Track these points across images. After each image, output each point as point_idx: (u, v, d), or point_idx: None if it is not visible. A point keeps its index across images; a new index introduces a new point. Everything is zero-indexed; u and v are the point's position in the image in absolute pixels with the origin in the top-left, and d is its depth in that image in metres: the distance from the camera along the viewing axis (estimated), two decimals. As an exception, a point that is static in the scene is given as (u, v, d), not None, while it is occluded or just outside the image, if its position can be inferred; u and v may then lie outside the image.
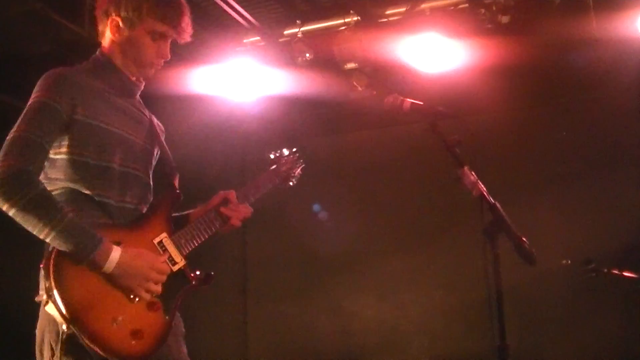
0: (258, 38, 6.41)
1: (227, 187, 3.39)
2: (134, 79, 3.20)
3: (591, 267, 5.53)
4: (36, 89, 2.93)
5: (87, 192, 2.92)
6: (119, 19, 3.09)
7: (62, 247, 2.69)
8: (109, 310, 2.77)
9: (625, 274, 5.51)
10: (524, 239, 2.93)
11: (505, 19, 5.71)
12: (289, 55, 6.21)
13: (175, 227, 3.13)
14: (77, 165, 2.92)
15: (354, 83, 6.30)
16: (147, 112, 3.34)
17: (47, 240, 2.70)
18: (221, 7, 5.75)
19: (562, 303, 6.48)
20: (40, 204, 2.69)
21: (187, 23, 3.19)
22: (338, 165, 7.12)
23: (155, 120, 3.39)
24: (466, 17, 5.77)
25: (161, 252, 3.00)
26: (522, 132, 6.73)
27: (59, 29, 5.40)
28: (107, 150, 2.98)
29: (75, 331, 2.66)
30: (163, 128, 3.45)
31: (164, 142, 3.36)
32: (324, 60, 6.18)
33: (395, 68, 6.05)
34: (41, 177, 2.84)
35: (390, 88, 5.44)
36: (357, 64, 6.19)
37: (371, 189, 7.18)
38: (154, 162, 3.29)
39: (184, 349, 3.16)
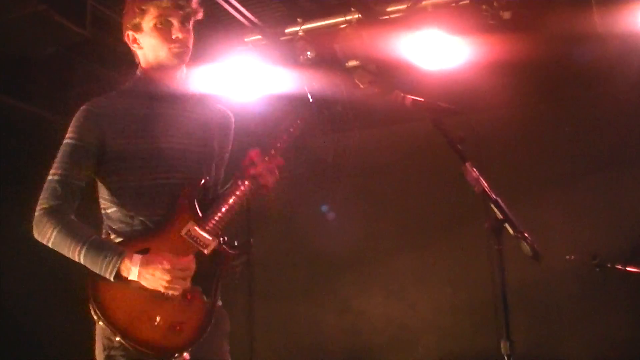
0: (259, 37, 6.41)
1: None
2: (172, 85, 3.25)
3: (596, 262, 5.53)
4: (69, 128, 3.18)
5: (130, 212, 3.12)
6: (130, 32, 3.23)
7: (93, 269, 2.97)
8: (149, 315, 3.01)
9: (629, 269, 5.51)
10: (527, 234, 2.93)
11: (507, 15, 5.70)
12: (290, 53, 6.21)
13: (208, 209, 3.17)
14: (119, 190, 3.14)
15: (356, 81, 6.30)
16: (199, 111, 3.34)
17: (82, 263, 3.00)
18: (222, 6, 5.75)
19: (568, 299, 6.48)
20: (66, 234, 2.99)
21: None
22: (342, 164, 7.11)
23: (215, 114, 3.41)
24: (468, 13, 5.75)
25: (191, 242, 3.07)
26: (526, 128, 6.73)
27: (62, 31, 5.40)
28: (143, 169, 3.13)
29: (125, 343, 2.95)
30: (227, 118, 3.46)
31: (217, 138, 3.37)
32: (326, 58, 6.18)
33: (397, 65, 6.04)
34: (100, 199, 3.21)
35: (392, 85, 5.44)
36: (359, 62, 6.19)
37: (376, 187, 7.19)
38: (204, 162, 3.30)
39: (225, 347, 3.25)
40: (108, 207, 3.18)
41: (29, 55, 5.82)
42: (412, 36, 5.83)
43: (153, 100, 3.23)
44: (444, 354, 6.90)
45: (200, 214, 3.13)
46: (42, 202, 3.06)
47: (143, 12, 3.16)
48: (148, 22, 3.17)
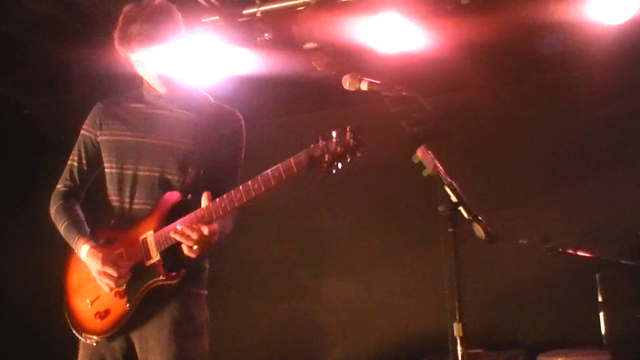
0: (217, 17, 6.34)
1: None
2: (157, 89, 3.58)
3: (548, 246, 5.61)
4: None
5: (110, 198, 3.56)
6: None
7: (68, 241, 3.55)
8: (87, 290, 3.48)
9: (580, 253, 5.61)
10: (481, 217, 2.96)
11: (465, 0, 5.71)
12: (248, 35, 6.16)
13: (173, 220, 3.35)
14: (106, 177, 3.57)
15: (314, 63, 6.27)
16: (176, 109, 3.55)
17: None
18: (180, -15, 5.67)
19: (521, 283, 6.57)
20: (54, 218, 3.60)
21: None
22: (297, 146, 7.08)
23: (196, 114, 3.55)
24: (426, -3, 5.76)
25: (142, 249, 3.36)
26: (484, 111, 6.76)
27: (18, 8, 5.39)
28: (117, 157, 3.51)
29: (64, 302, 3.57)
30: (230, 121, 3.59)
31: (197, 135, 3.49)
32: (284, 40, 6.14)
33: (355, 48, 6.03)
34: None
35: (350, 68, 5.43)
36: (316, 44, 6.15)
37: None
38: (178, 156, 3.45)
39: (166, 338, 3.37)
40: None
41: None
42: (370, 19, 5.82)
43: (137, 100, 3.63)
44: (397, 334, 6.94)
45: (162, 226, 3.34)
46: (58, 183, 3.67)
47: None
48: None
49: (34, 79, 6.46)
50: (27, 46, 6.07)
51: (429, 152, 3.06)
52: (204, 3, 6.01)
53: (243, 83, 6.68)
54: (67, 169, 3.67)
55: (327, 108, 7.16)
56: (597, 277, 5.82)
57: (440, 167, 3.04)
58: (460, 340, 3.04)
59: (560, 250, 5.61)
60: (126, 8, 3.43)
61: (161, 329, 3.36)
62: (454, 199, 3.01)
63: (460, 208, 3.00)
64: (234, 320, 7.32)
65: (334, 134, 3.15)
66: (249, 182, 3.17)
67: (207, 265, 3.63)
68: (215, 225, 3.21)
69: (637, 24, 5.71)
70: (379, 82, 3.25)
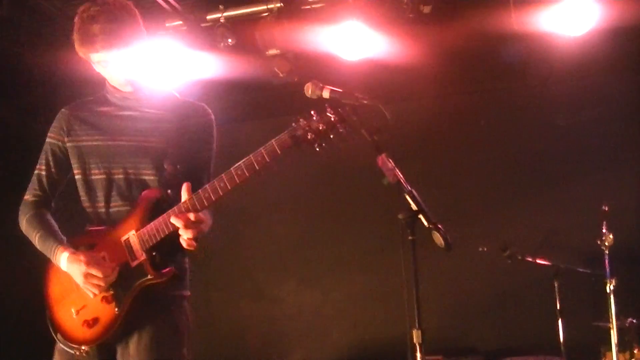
0: (180, 22, 6.33)
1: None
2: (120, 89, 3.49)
3: (506, 254, 5.67)
4: None
5: (84, 204, 3.45)
6: None
7: (44, 252, 3.41)
8: (71, 300, 3.35)
9: (538, 260, 5.68)
10: (440, 225, 2.98)
11: (426, 9, 5.76)
12: (211, 40, 6.15)
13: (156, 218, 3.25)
14: (77, 184, 3.46)
15: (276, 69, 6.28)
16: (145, 109, 3.46)
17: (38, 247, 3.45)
18: (143, -10, 5.66)
19: (479, 289, 6.62)
20: (26, 229, 3.48)
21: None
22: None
23: (166, 112, 3.45)
24: (388, 6, 5.80)
25: (126, 250, 3.26)
26: (443, 119, 6.82)
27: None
28: (89, 163, 3.42)
29: (47, 315, 3.42)
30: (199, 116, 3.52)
31: (169, 133, 3.40)
32: (247, 46, 6.14)
33: (317, 55, 6.05)
34: None
35: (312, 75, 5.46)
36: (279, 51, 6.17)
37: (293, 175, 7.18)
38: (152, 155, 3.37)
39: (146, 345, 3.28)
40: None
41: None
42: (332, 27, 5.84)
43: (101, 103, 3.51)
44: (356, 340, 6.96)
45: (145, 224, 3.25)
46: (26, 193, 3.52)
47: None
48: None
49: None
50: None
51: (389, 160, 3.06)
52: (167, 8, 6.00)
53: (208, 88, 6.66)
54: (34, 178, 3.53)
55: (290, 114, 7.14)
56: (555, 285, 5.88)
57: (400, 175, 3.04)
58: (419, 347, 3.05)
59: (519, 257, 5.68)
60: (82, 8, 3.32)
61: (142, 336, 3.27)
62: (413, 207, 3.02)
63: (420, 216, 3.01)
64: (195, 322, 7.30)
65: (312, 112, 3.10)
66: (232, 170, 3.12)
67: (188, 267, 3.54)
68: (200, 214, 3.14)
69: (596, 35, 5.82)
70: (340, 90, 3.24)
